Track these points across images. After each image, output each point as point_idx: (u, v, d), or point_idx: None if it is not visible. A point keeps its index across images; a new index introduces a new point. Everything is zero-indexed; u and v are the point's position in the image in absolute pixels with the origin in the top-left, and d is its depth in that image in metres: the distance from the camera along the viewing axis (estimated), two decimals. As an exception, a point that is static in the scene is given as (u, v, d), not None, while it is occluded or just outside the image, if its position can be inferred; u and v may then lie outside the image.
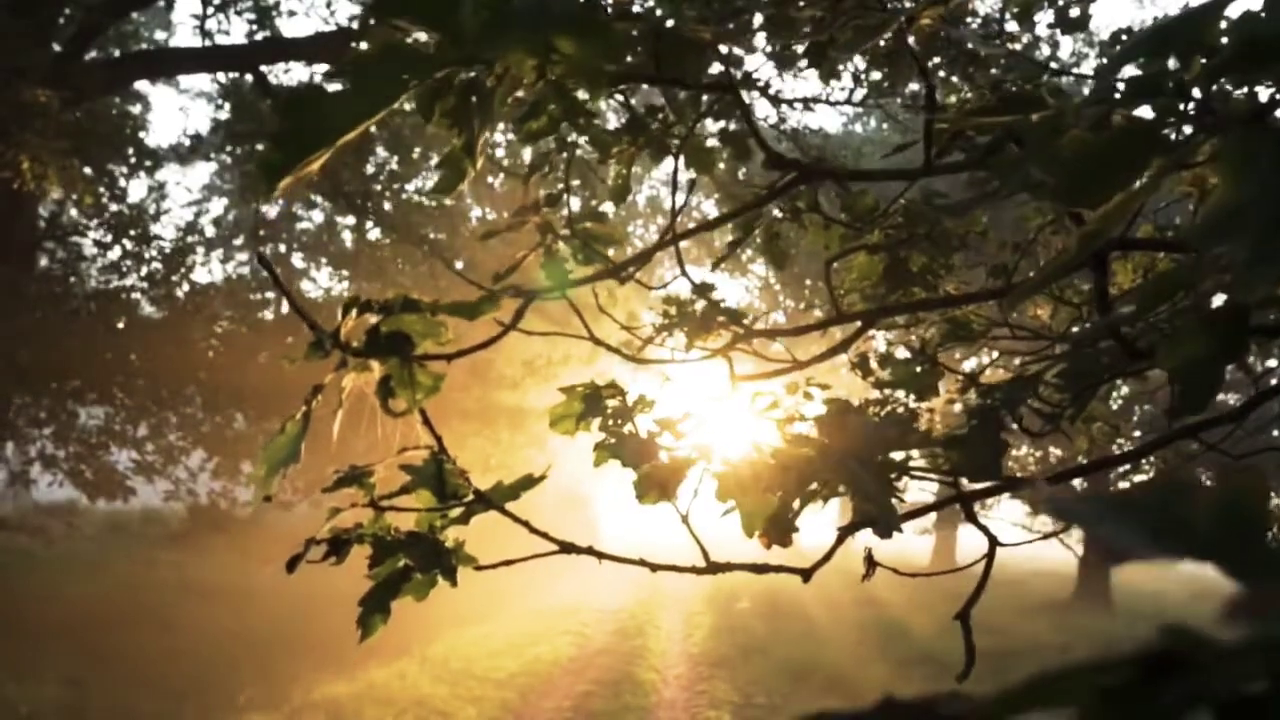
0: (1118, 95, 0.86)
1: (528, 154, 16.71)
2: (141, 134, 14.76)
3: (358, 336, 0.99)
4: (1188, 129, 0.79)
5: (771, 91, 12.22)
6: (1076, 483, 17.04)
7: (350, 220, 17.64)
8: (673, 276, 2.98)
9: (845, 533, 1.45)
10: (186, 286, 14.37)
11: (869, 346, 3.62)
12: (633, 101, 2.61)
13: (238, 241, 17.36)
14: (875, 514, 1.23)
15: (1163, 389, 5.60)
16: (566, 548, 1.15)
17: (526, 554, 1.19)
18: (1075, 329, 3.56)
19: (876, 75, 12.00)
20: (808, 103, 13.59)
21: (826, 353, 2.79)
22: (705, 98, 2.75)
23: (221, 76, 15.45)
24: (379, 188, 15.77)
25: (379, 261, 16.39)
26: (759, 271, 21.63)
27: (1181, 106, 0.80)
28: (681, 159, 2.59)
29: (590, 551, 1.17)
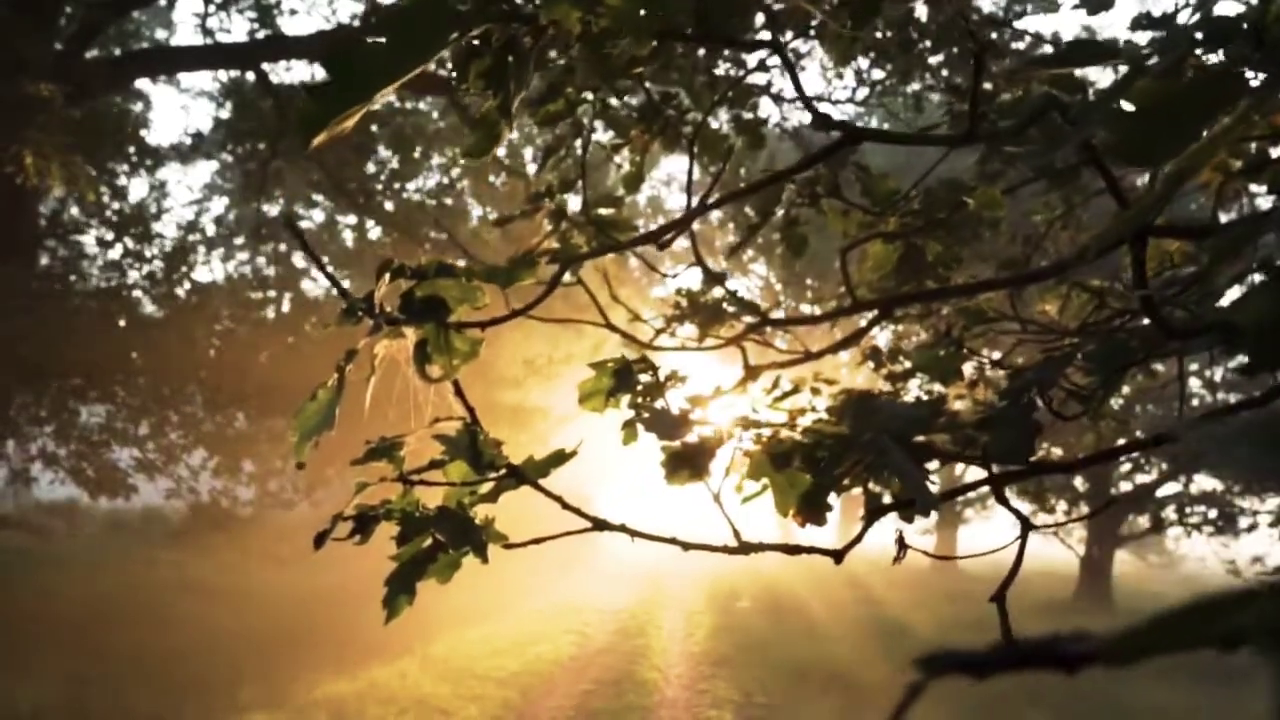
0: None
1: (529, 153, 16.64)
2: (143, 132, 14.73)
3: (391, 302, 0.96)
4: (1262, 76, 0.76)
5: (774, 90, 12.19)
6: (1078, 481, 17.01)
7: (351, 219, 17.62)
8: (673, 275, 2.96)
9: (874, 515, 1.42)
10: (187, 285, 14.35)
11: (870, 342, 3.60)
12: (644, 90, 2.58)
13: (239, 240, 17.32)
14: (913, 494, 1.19)
15: (1171, 384, 5.58)
16: (599, 524, 1.13)
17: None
18: (1091, 319, 3.53)
19: (879, 74, 11.97)
20: (809, 101, 13.51)
21: (841, 342, 2.76)
22: (717, 84, 2.72)
23: (223, 75, 15.43)
24: (380, 186, 15.75)
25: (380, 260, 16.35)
26: (760, 271, 21.62)
27: (1256, 53, 0.76)
28: (685, 152, 2.56)
29: (623, 528, 1.14)
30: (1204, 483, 16.14)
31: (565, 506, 1.12)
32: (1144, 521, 16.94)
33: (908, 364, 3.39)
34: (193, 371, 13.37)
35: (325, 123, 0.80)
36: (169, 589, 11.85)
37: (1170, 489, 16.27)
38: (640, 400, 1.26)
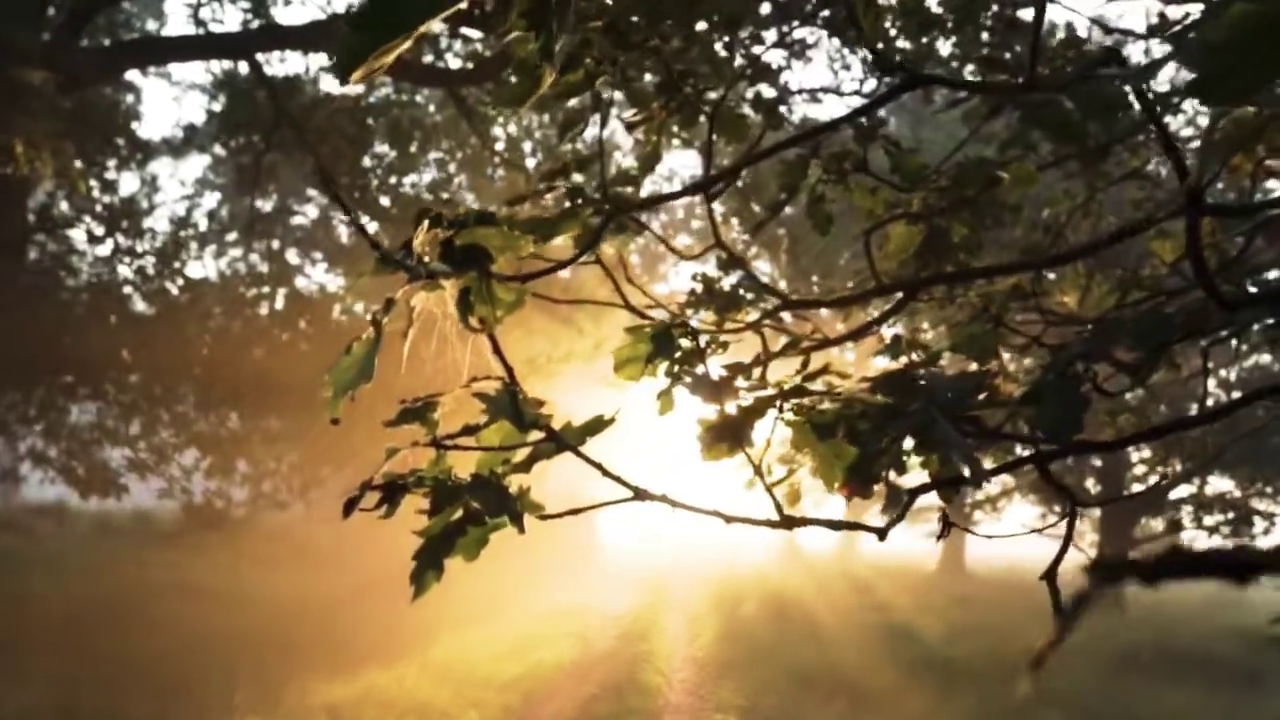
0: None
1: (528, 147, 16.52)
2: (133, 125, 14.71)
3: (431, 251, 0.93)
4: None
5: (783, 82, 12.16)
6: (1089, 484, 16.96)
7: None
8: (676, 271, 2.95)
9: (916, 492, 1.39)
10: (179, 281, 14.33)
11: (880, 341, 3.59)
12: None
13: (232, 236, 17.30)
14: (965, 466, 1.17)
15: (1195, 378, 5.57)
16: (640, 494, 1.10)
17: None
18: (1113, 309, 3.51)
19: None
20: (814, 93, 13.55)
21: (865, 326, 2.73)
22: (740, 61, 2.70)
23: (216, 66, 15.40)
24: (376, 181, 15.72)
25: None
26: (764, 269, 21.61)
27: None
28: (693, 146, 2.53)
29: (664, 499, 1.12)
30: (1219, 484, 16.12)
31: (605, 474, 1.09)
32: (1158, 524, 16.91)
33: (923, 355, 3.36)
34: (185, 369, 13.34)
35: (366, 56, 0.77)
36: (161, 591, 11.82)
37: (1183, 490, 16.24)
38: (679, 367, 1.23)
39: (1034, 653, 0.37)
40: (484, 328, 0.97)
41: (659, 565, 21.44)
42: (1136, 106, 2.28)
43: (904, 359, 3.52)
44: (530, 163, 15.29)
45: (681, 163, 23.41)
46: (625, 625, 14.02)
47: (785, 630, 13.96)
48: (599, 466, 1.09)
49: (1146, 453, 16.15)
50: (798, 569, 22.42)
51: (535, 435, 1.10)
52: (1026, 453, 1.81)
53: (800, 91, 11.96)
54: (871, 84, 12.81)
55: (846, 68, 12.95)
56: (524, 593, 14.66)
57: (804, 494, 1.89)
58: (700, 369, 1.22)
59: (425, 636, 10.93)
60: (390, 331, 1.11)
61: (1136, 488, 17.03)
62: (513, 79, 1.27)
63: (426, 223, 0.90)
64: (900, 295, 2.53)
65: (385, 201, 15.85)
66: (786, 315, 2.79)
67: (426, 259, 0.91)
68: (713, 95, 2.47)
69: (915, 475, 1.52)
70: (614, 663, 11.34)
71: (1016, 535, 1.46)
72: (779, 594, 17.42)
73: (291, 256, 18.09)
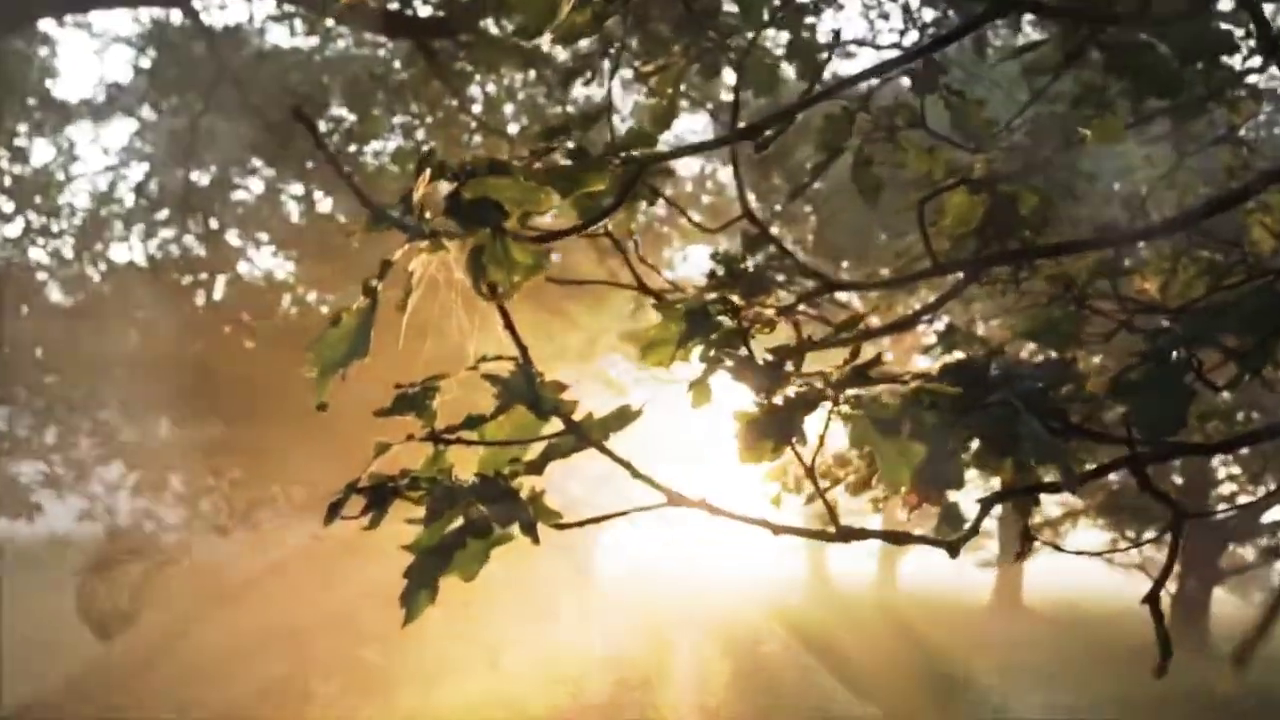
0: None
1: (510, 109, 16.51)
2: (48, 83, 14.71)
3: (433, 206, 0.92)
4: None
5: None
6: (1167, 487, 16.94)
7: (298, 188, 17.56)
8: (682, 257, 2.93)
9: (992, 501, 1.38)
10: (102, 266, 14.32)
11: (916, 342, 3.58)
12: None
13: (162, 214, 17.25)
14: (1056, 467, 1.15)
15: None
16: (675, 498, 1.09)
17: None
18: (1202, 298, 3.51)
19: (930, 14, 11.95)
20: (845, 45, 13.49)
21: (918, 313, 2.73)
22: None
23: (145, 14, 15.37)
24: (333, 149, 15.70)
25: (331, 238, 16.30)
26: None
27: None
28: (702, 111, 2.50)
29: (702, 504, 1.11)
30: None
31: (635, 475, 1.08)
32: (1248, 553, 16.84)
33: (979, 350, 3.35)
34: (108, 369, 13.32)
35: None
36: (82, 631, 11.81)
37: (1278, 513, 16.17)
38: (718, 350, 1.22)
39: (1238, 649, 0.36)
40: (495, 296, 0.96)
41: (665, 596, 21.40)
42: (1242, 51, 2.27)
43: (958, 353, 3.52)
44: (513, 128, 15.24)
45: (688, 128, 23.37)
46: (624, 670, 13.99)
47: (811, 674, 13.96)
48: (627, 465, 1.08)
49: (1235, 469, 16.08)
50: (827, 601, 22.38)
51: (550, 430, 1.09)
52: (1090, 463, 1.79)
53: (836, 44, 11.93)
54: (913, 36, 12.76)
55: (885, 16, 12.91)
56: (508, 632, 14.64)
57: (840, 515, 1.88)
58: (743, 352, 1.21)
59: (389, 682, 10.92)
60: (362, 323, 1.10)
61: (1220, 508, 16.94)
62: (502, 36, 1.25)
63: (428, 172, 0.89)
64: (961, 276, 2.52)
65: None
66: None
67: (429, 215, 0.91)
68: (735, 44, 2.46)
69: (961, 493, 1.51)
70: (611, 713, 11.34)
71: (1106, 554, 1.45)
72: (804, 630, 17.40)
73: (232, 238, 18.04)
